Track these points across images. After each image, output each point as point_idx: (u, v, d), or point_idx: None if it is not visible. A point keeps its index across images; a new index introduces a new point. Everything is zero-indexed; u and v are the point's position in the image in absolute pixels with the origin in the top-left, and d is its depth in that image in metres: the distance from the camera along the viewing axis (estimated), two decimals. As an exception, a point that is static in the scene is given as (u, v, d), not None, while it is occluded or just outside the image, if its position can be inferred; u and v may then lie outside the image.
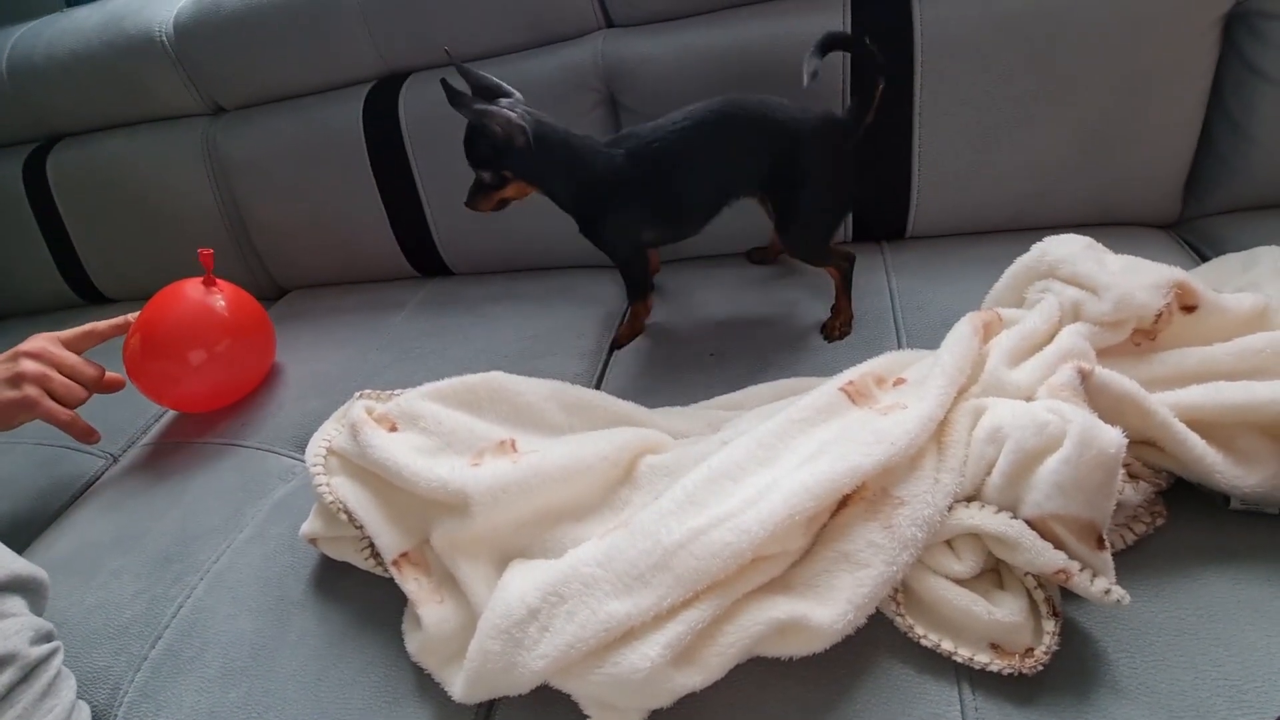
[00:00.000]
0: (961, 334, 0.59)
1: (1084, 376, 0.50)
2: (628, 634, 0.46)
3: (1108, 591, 0.43)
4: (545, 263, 1.06)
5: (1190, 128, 0.80)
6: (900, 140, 0.84)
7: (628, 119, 0.93)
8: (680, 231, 0.82)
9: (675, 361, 0.81)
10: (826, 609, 0.46)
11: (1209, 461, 0.48)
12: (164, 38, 1.06)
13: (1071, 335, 0.54)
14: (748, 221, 0.95)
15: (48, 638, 0.55)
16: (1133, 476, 0.51)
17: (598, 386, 0.84)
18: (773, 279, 0.90)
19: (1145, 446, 0.51)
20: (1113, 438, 0.45)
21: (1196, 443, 0.48)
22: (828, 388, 0.58)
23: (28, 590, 0.57)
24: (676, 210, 0.78)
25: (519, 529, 0.58)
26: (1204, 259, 0.77)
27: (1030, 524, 0.46)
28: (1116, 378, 0.50)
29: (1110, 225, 0.84)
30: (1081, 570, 0.44)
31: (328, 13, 0.98)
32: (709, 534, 0.47)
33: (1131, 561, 0.48)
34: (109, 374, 0.82)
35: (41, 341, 0.78)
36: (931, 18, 0.79)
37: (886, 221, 0.91)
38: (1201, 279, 0.68)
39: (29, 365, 0.75)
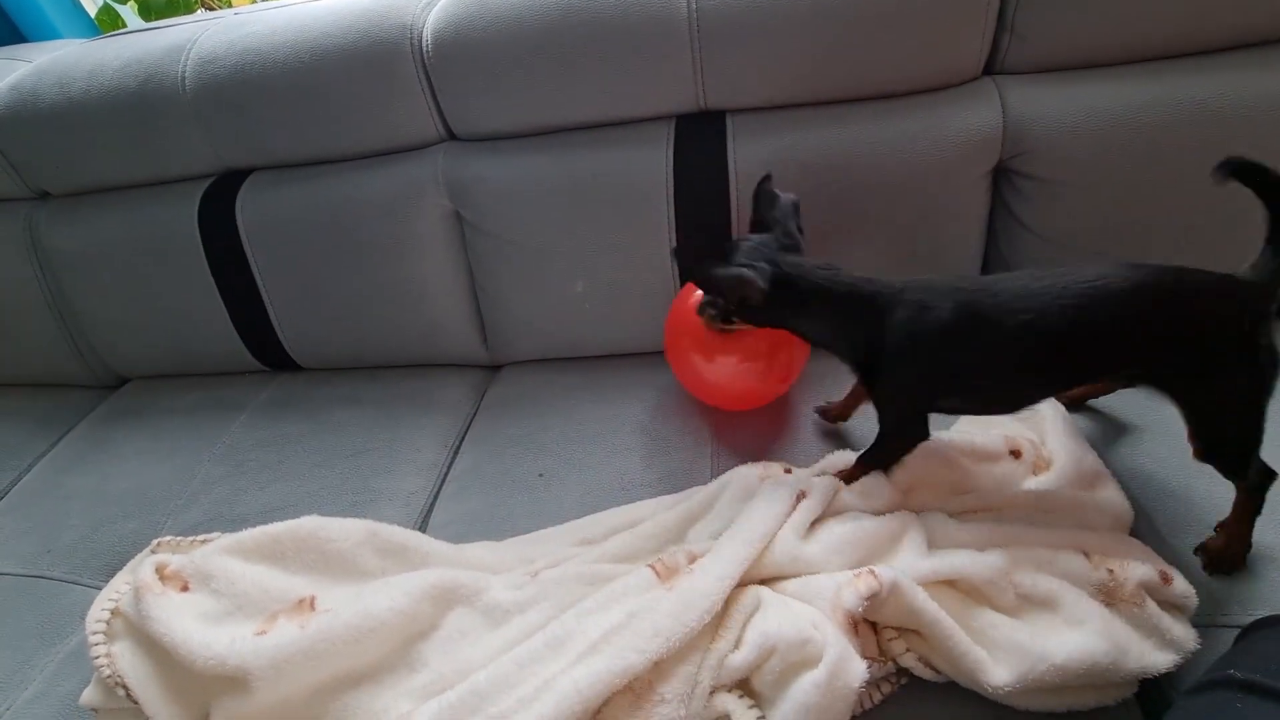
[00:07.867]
0: (776, 509, 0.64)
1: (872, 597, 0.55)
2: None
3: None
4: (396, 360, 1.05)
5: (974, 266, 0.89)
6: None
7: (471, 233, 0.95)
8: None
9: (504, 482, 0.83)
10: None
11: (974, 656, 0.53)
12: (-22, 123, 1.00)
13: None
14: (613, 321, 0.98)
15: None
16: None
17: (434, 503, 0.85)
18: (613, 389, 0.93)
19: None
20: (858, 672, 0.51)
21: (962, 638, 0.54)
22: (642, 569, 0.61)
23: None
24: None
25: (311, 698, 0.58)
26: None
27: None
28: (910, 590, 0.55)
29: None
30: None
31: (158, 111, 0.95)
32: None
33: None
34: None
35: None
36: (743, 157, 0.85)
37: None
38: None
39: None
